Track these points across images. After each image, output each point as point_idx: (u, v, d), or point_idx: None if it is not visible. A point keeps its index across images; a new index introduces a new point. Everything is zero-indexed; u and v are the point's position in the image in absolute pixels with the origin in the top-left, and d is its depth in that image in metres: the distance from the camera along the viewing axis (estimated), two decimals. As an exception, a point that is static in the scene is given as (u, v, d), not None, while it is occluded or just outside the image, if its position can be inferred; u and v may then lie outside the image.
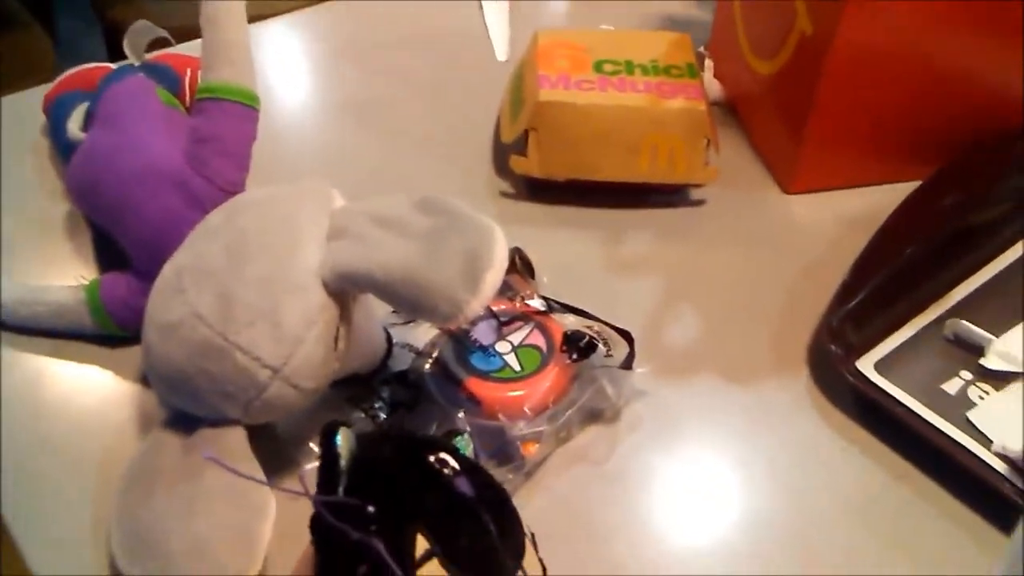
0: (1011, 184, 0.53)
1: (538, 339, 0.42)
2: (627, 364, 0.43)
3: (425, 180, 0.56)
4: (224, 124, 0.42)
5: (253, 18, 0.62)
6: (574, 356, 0.41)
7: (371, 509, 0.26)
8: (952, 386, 0.44)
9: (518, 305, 0.44)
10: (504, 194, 0.55)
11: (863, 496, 0.40)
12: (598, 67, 0.53)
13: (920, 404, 0.42)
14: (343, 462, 0.28)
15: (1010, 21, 0.51)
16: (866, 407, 0.43)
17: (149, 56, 0.53)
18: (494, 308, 0.43)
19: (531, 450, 0.40)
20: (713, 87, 0.61)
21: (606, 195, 0.54)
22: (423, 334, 0.42)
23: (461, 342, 0.42)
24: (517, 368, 0.41)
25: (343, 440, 0.28)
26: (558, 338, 0.42)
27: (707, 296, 0.49)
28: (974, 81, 0.53)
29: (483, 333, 0.42)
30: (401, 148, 0.58)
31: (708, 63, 0.62)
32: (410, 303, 0.33)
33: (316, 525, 0.28)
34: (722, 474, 0.41)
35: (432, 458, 0.28)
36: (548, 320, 0.43)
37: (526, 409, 0.40)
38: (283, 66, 0.65)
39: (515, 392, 0.40)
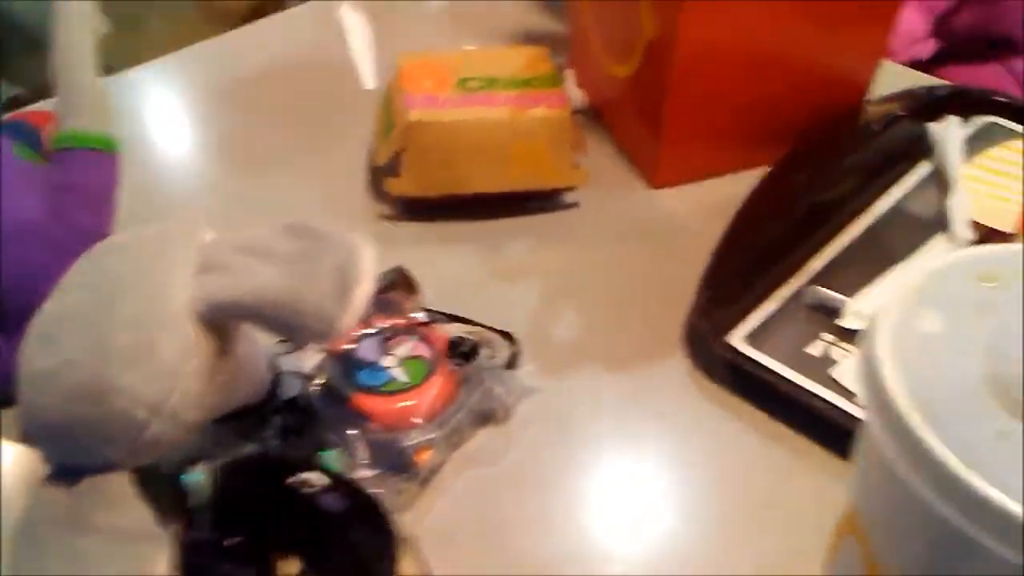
0: (854, 159, 0.57)
1: (423, 350, 0.43)
2: (511, 364, 0.45)
3: (304, 209, 0.56)
4: (81, 172, 0.42)
5: (114, 67, 0.63)
6: (458, 361, 0.43)
7: (228, 542, 0.26)
8: (816, 348, 0.47)
9: (400, 320, 0.45)
10: (383, 216, 0.56)
11: (743, 461, 0.43)
12: (462, 84, 0.55)
13: (788, 368, 0.45)
14: (200, 499, 0.28)
15: (840, 8, 0.55)
16: (740, 378, 0.46)
17: (6, 116, 0.52)
18: (378, 324, 0.44)
19: (424, 458, 0.41)
20: (576, 95, 0.64)
21: (483, 207, 0.56)
22: (310, 359, 0.43)
23: (347, 361, 0.43)
24: (404, 380, 0.42)
25: (203, 477, 0.29)
26: (442, 346, 0.44)
27: (586, 293, 0.52)
28: (813, 66, 0.57)
29: (368, 350, 0.43)
30: (278, 180, 0.59)
31: (568, 73, 0.65)
32: (284, 325, 0.34)
33: (184, 567, 0.28)
34: (612, 459, 0.43)
35: (292, 480, 0.29)
36: (431, 330, 0.45)
37: (416, 419, 0.41)
38: (153, 111, 0.65)
39: (404, 403, 0.41)
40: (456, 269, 0.53)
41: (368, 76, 0.66)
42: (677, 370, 0.47)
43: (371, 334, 0.44)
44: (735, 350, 0.46)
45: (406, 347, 0.44)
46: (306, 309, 0.33)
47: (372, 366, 0.42)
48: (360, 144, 0.59)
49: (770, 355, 0.46)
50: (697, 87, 0.54)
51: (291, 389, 0.42)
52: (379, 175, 0.56)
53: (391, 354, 0.43)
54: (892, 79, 0.63)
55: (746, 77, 0.55)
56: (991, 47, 0.85)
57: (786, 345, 0.47)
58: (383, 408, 0.41)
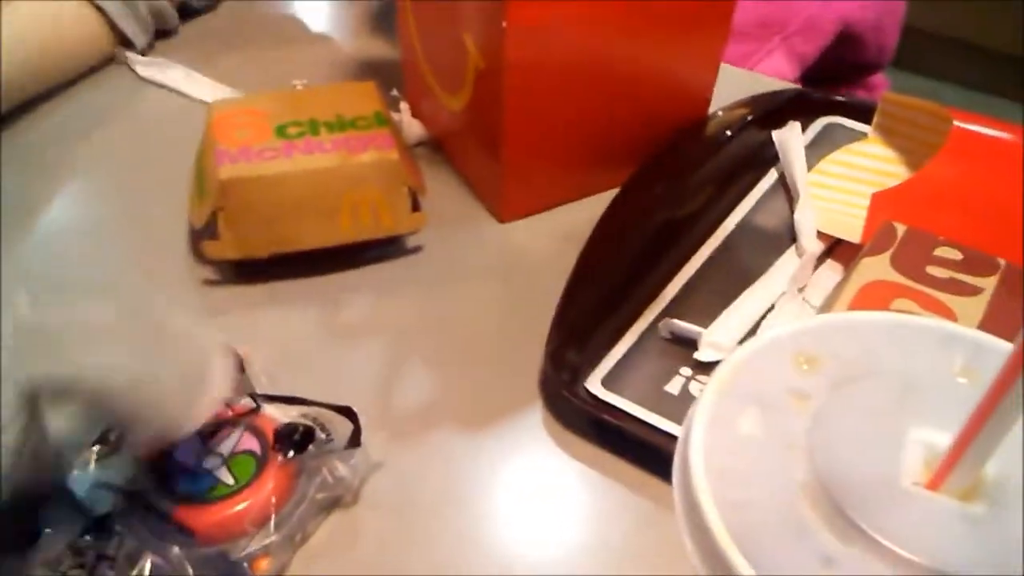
0: (702, 173, 0.56)
1: (250, 442, 0.39)
2: (354, 442, 0.41)
3: (121, 279, 0.51)
4: None
5: None
6: (291, 451, 0.39)
7: None
8: (674, 385, 0.45)
9: (224, 411, 0.40)
10: (207, 282, 0.51)
11: (601, 513, 0.41)
12: (281, 132, 0.51)
13: (646, 411, 0.43)
14: None
15: (671, 17, 0.53)
16: (598, 426, 0.44)
17: None
18: (197, 419, 0.40)
19: (263, 566, 0.37)
20: (413, 127, 0.60)
21: (317, 262, 0.51)
22: (120, 468, 0.38)
23: (163, 468, 0.38)
24: (231, 482, 0.38)
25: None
26: (271, 436, 0.39)
27: (435, 346, 0.48)
28: (650, 79, 0.55)
29: (185, 453, 0.38)
30: (91, 248, 0.53)
31: (404, 105, 0.61)
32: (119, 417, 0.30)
33: None
34: (471, 527, 0.40)
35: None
36: (259, 418, 0.40)
37: (248, 524, 0.37)
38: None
39: (233, 509, 0.37)
40: (290, 334, 0.48)
41: (190, 128, 0.60)
42: (534, 422, 0.44)
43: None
44: (591, 396, 0.44)
45: (231, 442, 0.39)
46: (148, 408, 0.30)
47: (193, 470, 0.38)
48: (180, 205, 0.54)
49: (629, 398, 0.44)
50: (533, 113, 0.52)
51: (100, 506, 0.37)
52: (198, 238, 0.51)
53: (214, 453, 0.39)
54: (735, 85, 0.62)
55: (583, 97, 0.53)
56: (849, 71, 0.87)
57: (645, 385, 0.45)
58: (209, 519, 0.37)
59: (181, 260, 0.52)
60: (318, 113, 0.52)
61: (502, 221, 0.56)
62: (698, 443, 0.20)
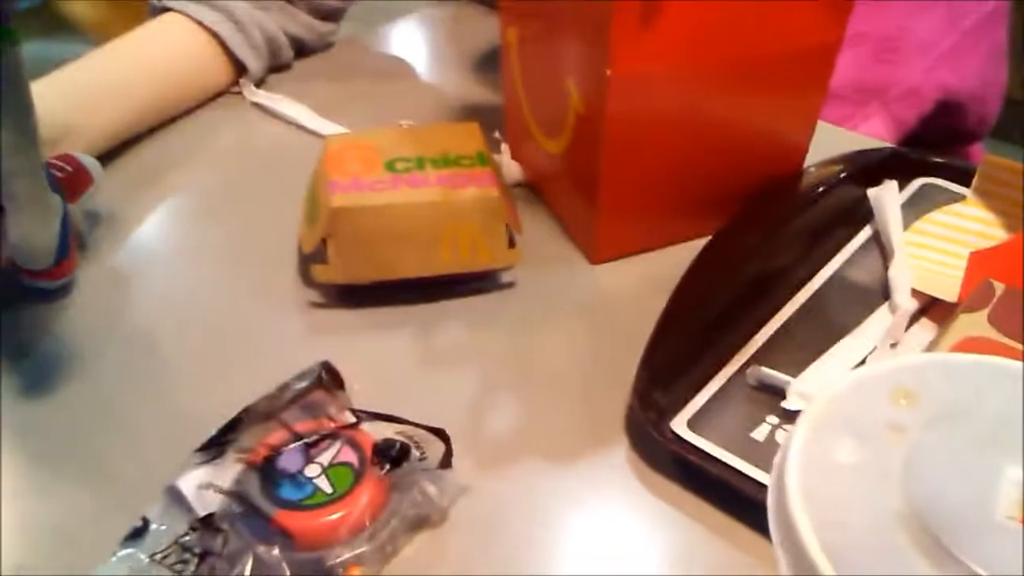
0: (795, 227, 0.57)
1: (349, 455, 0.41)
2: (445, 463, 0.42)
3: (231, 298, 0.54)
4: None
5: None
6: (387, 466, 0.41)
7: None
8: (760, 432, 0.45)
9: (325, 423, 0.43)
10: (313, 304, 0.54)
11: (685, 554, 0.41)
12: (389, 166, 0.54)
13: (732, 455, 0.44)
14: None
15: (771, 74, 0.54)
16: (684, 467, 0.44)
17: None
18: (299, 430, 0.42)
19: (355, 574, 0.38)
20: (512, 169, 0.63)
21: (416, 291, 0.54)
22: (228, 472, 0.41)
23: (267, 474, 0.40)
24: (329, 490, 0.40)
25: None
26: (369, 450, 0.41)
27: (523, 378, 0.50)
28: (747, 133, 0.56)
29: (289, 460, 0.41)
30: (203, 268, 0.57)
31: (504, 146, 0.64)
32: None
33: None
34: (551, 558, 0.41)
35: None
36: (358, 433, 0.42)
37: (343, 532, 0.39)
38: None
39: (329, 516, 0.39)
40: (387, 357, 0.50)
41: (302, 159, 0.64)
42: (619, 459, 0.45)
43: (293, 442, 0.41)
44: (677, 437, 0.44)
45: (330, 453, 0.41)
46: None
47: (294, 478, 0.40)
48: (290, 231, 0.57)
49: (714, 441, 0.44)
50: (630, 160, 0.53)
51: (206, 506, 0.40)
52: (307, 262, 0.54)
53: (315, 462, 0.41)
54: (832, 143, 0.63)
55: (680, 148, 0.54)
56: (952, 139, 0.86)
57: (731, 430, 0.45)
58: (306, 524, 0.38)
59: (290, 282, 0.55)
60: (425, 150, 0.55)
61: (594, 263, 0.57)
62: (794, 465, 0.20)
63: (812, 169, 0.60)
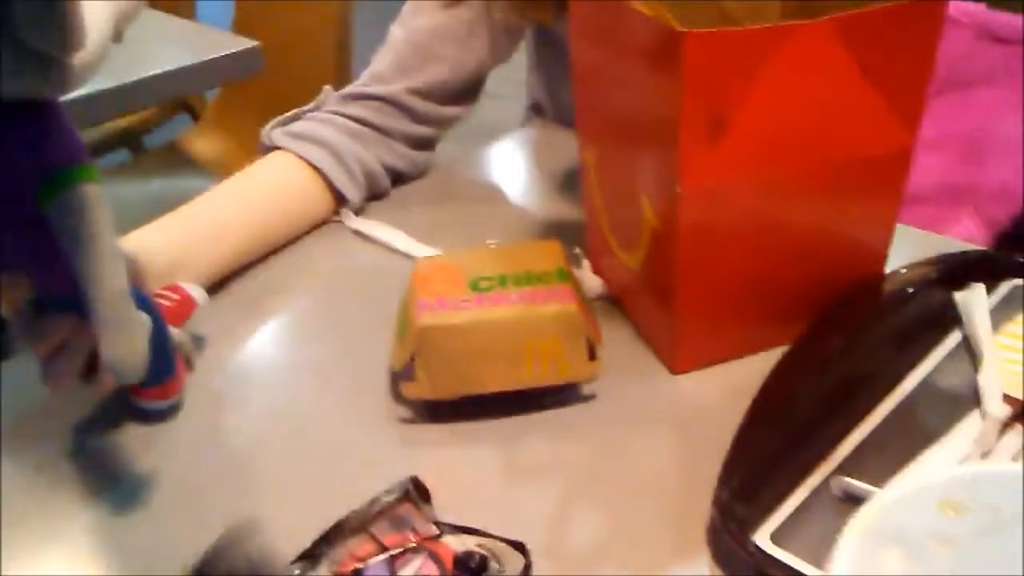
0: (878, 333, 0.56)
1: (431, 568, 0.42)
2: (525, 575, 0.43)
3: (326, 415, 0.57)
4: None
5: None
6: (467, 579, 0.42)
7: None
8: (848, 546, 0.44)
9: (410, 536, 0.44)
10: (402, 419, 0.56)
11: None
12: (474, 285, 0.56)
13: (817, 570, 0.43)
14: None
15: (845, 179, 0.55)
16: (768, 581, 0.43)
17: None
18: (386, 543, 0.43)
19: None
20: (594, 283, 0.65)
21: (501, 404, 0.55)
22: (316, 581, 0.42)
23: None
24: (411, 602, 0.41)
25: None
26: (449, 563, 0.42)
27: (604, 490, 0.50)
28: (823, 240, 0.57)
29: (375, 572, 0.42)
30: (300, 387, 0.60)
31: (585, 261, 0.66)
32: None
33: None
34: None
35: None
36: (439, 546, 0.44)
37: (423, 644, 0.40)
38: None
39: (410, 628, 0.40)
40: (473, 470, 0.52)
41: (396, 282, 0.68)
42: (702, 573, 0.45)
43: (379, 554, 0.43)
44: (761, 551, 0.44)
45: (414, 566, 0.43)
46: None
47: (379, 589, 0.41)
48: (384, 349, 0.60)
49: (799, 555, 0.43)
50: (705, 271, 0.55)
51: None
52: (397, 379, 0.57)
53: (399, 575, 0.42)
54: (920, 245, 0.63)
55: (755, 257, 0.55)
56: None
57: (816, 543, 0.44)
58: (389, 636, 0.40)
59: (382, 399, 0.58)
60: (507, 269, 0.58)
61: (674, 372, 0.58)
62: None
63: (896, 273, 0.60)
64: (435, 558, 0.43)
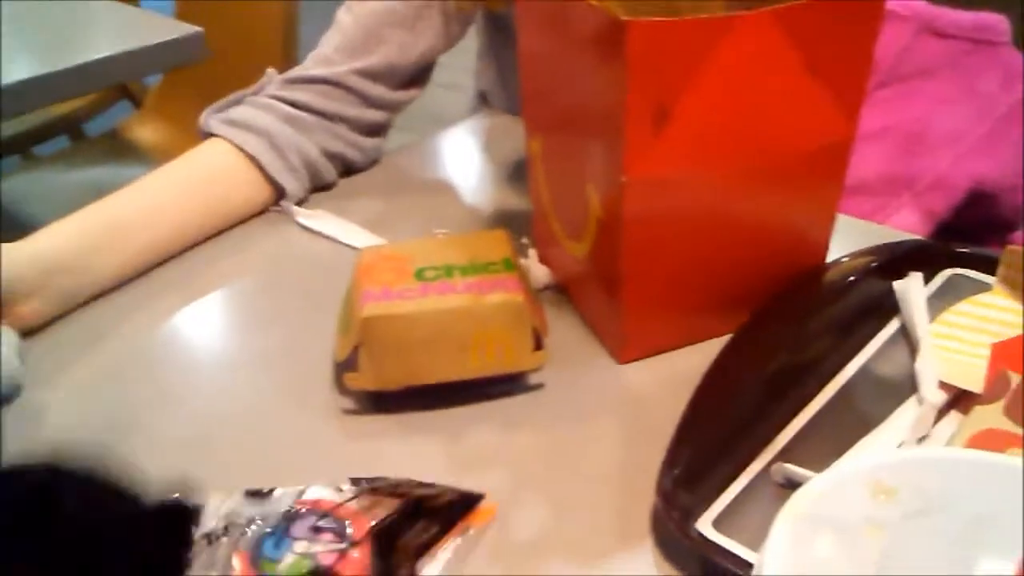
0: (818, 322, 0.57)
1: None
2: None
3: (266, 407, 0.56)
4: None
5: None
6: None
7: None
8: (788, 531, 0.44)
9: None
10: (346, 411, 0.55)
11: (717, 664, 0.40)
12: (419, 275, 0.56)
13: (758, 555, 0.43)
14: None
15: (787, 172, 0.55)
16: (709, 566, 0.44)
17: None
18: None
19: None
20: (540, 272, 0.64)
21: (446, 395, 0.55)
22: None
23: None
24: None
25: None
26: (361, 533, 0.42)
27: (550, 479, 0.50)
28: (767, 230, 0.57)
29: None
30: (240, 377, 0.59)
31: (532, 251, 0.66)
32: None
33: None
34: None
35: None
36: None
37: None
38: (113, 305, 0.66)
39: None
40: (419, 461, 0.51)
41: (340, 272, 0.67)
42: (646, 559, 0.45)
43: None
44: (703, 538, 0.44)
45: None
46: None
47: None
48: (329, 341, 0.59)
49: (741, 541, 0.44)
50: (651, 262, 0.55)
51: None
52: (340, 370, 0.56)
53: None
54: (860, 235, 0.64)
55: (699, 248, 0.56)
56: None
57: (758, 529, 0.45)
58: None
59: (326, 390, 0.57)
60: (453, 258, 0.57)
61: (621, 362, 0.58)
62: (774, 559, 0.21)
63: (837, 263, 0.61)
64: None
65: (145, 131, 1.62)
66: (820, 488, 0.23)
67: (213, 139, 0.74)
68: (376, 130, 0.81)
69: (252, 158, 0.73)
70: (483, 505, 0.47)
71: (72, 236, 0.64)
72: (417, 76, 0.80)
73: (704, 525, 0.45)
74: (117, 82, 1.64)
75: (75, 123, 1.74)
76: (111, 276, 0.65)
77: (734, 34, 0.49)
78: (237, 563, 0.40)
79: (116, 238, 0.65)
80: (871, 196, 0.81)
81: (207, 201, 0.72)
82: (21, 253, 0.60)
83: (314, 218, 0.74)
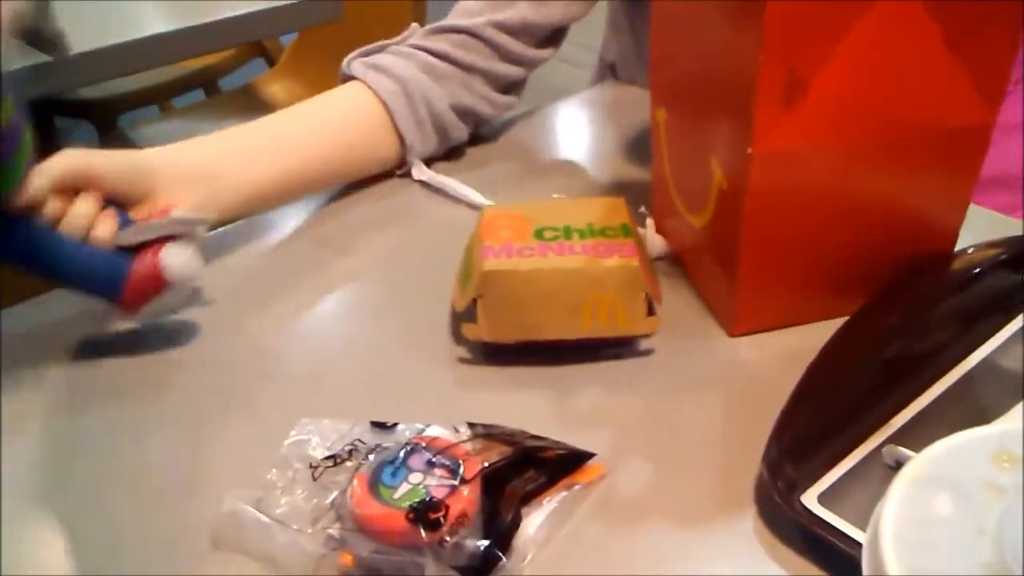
0: (943, 310, 0.56)
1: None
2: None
3: (387, 352, 0.59)
4: None
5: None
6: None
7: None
8: (895, 513, 0.44)
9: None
10: (461, 360, 0.58)
11: (813, 633, 0.41)
12: (538, 234, 0.57)
13: (863, 533, 0.43)
14: None
15: (920, 155, 0.54)
16: (813, 542, 0.44)
17: None
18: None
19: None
20: (656, 242, 0.65)
21: (558, 354, 0.56)
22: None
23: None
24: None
25: None
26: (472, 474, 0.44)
27: (656, 444, 0.51)
28: (894, 213, 0.56)
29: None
30: (363, 324, 0.62)
31: (649, 221, 0.66)
32: None
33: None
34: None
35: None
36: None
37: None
38: (250, 256, 0.70)
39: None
40: (526, 416, 0.53)
41: (456, 229, 0.69)
42: (746, 530, 0.46)
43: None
44: (808, 511, 0.44)
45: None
46: None
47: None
48: (446, 291, 0.62)
49: (846, 518, 0.44)
50: (772, 236, 0.55)
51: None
52: (458, 320, 0.58)
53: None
54: (996, 229, 0.62)
55: (823, 225, 0.55)
56: None
57: (864, 507, 0.44)
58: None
59: (442, 338, 0.59)
60: (572, 221, 0.58)
61: (732, 335, 0.58)
62: (891, 513, 0.21)
63: (964, 252, 0.59)
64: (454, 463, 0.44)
65: (277, 88, 1.68)
66: (941, 450, 0.23)
67: (351, 82, 0.76)
68: (511, 87, 0.81)
69: (384, 104, 0.74)
70: (591, 463, 0.48)
71: (208, 145, 0.68)
72: (552, 36, 0.81)
73: (809, 499, 0.45)
74: (252, 39, 1.71)
75: (211, 78, 1.83)
76: (240, 189, 0.67)
77: (876, 7, 0.48)
78: (358, 485, 0.43)
79: (244, 156, 0.68)
80: (1012, 192, 0.78)
81: (332, 141, 0.73)
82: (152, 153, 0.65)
83: (436, 177, 0.76)
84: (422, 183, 0.77)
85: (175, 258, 0.58)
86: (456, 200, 0.74)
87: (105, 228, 0.57)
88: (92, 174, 0.58)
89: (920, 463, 0.23)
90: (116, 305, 0.58)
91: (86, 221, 0.57)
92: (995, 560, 0.20)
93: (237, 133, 0.70)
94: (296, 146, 0.71)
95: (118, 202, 0.60)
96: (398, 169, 0.78)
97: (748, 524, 0.46)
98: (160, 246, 0.58)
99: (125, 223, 0.58)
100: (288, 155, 0.71)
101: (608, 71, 0.99)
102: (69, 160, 0.58)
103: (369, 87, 0.75)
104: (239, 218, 0.70)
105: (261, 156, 0.69)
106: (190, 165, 0.65)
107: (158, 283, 0.57)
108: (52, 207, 0.56)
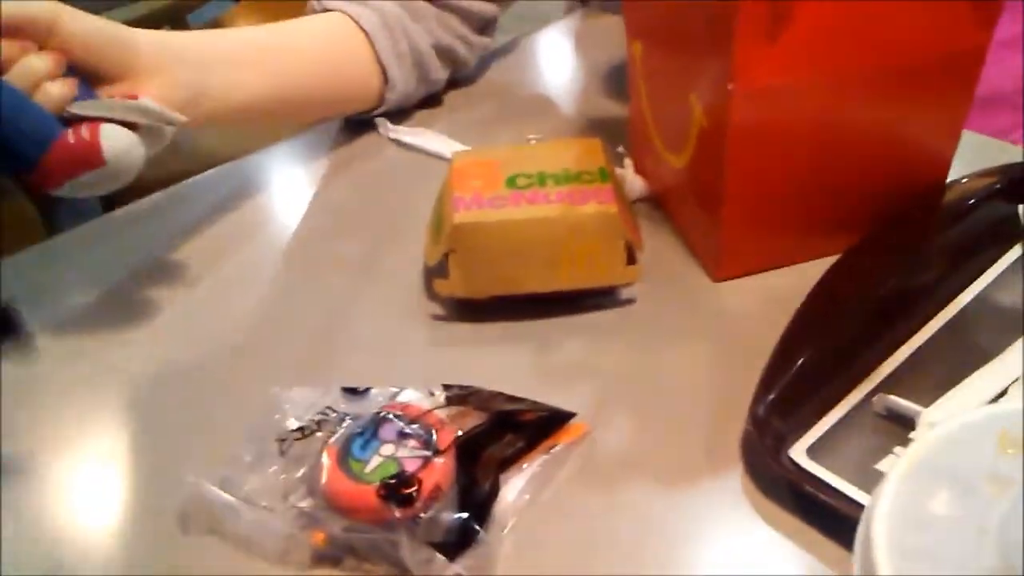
0: (934, 246, 0.53)
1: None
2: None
3: (357, 308, 0.57)
4: None
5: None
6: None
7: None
8: (886, 464, 0.43)
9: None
10: (435, 316, 0.55)
11: (802, 592, 0.39)
12: (511, 182, 0.55)
13: (854, 487, 0.42)
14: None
15: (911, 80, 0.51)
16: (801, 496, 0.42)
17: None
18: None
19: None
20: (636, 184, 0.62)
21: (536, 306, 0.54)
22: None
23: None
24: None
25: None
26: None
27: (640, 395, 0.49)
28: (883, 146, 0.54)
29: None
30: (332, 280, 0.59)
31: (627, 161, 0.63)
32: None
33: None
34: (657, 585, 0.40)
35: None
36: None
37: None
38: (209, 214, 0.67)
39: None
40: (505, 372, 0.51)
41: (427, 179, 0.66)
42: (732, 485, 0.44)
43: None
44: (795, 465, 0.43)
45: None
46: None
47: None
48: (418, 246, 0.59)
49: (835, 471, 0.42)
50: (755, 175, 0.52)
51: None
52: (431, 276, 0.55)
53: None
54: (989, 155, 0.59)
55: (808, 162, 0.53)
56: None
57: (853, 460, 0.43)
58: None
59: (414, 295, 0.57)
60: (546, 166, 0.55)
61: (716, 280, 0.56)
62: (883, 515, 0.19)
63: (958, 183, 0.57)
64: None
65: (246, 22, 1.63)
66: (943, 434, 0.21)
67: (330, 13, 0.71)
68: (486, 26, 0.78)
69: (366, 33, 0.70)
70: (572, 423, 0.46)
71: (199, 37, 0.61)
72: None
73: (798, 453, 0.44)
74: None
75: (179, 14, 1.76)
76: (228, 95, 0.61)
77: (864, -73, 0.44)
78: (326, 459, 0.41)
79: (236, 57, 0.63)
80: (1007, 110, 0.75)
81: (322, 60, 0.69)
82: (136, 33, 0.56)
83: (406, 134, 0.72)
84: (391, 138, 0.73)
85: (118, 141, 0.49)
86: (423, 150, 0.71)
87: (58, 89, 0.50)
88: (60, 31, 0.51)
89: (918, 451, 0.21)
90: (32, 172, 0.49)
91: (36, 79, 0.49)
92: (998, 564, 0.18)
93: (222, 36, 0.64)
94: (285, 59, 0.66)
95: (86, 74, 0.52)
96: (375, 110, 0.74)
97: (735, 479, 0.44)
98: (103, 123, 0.50)
99: (85, 97, 0.51)
100: (278, 66, 0.66)
101: (579, -2, 0.95)
102: (33, 6, 0.50)
103: (350, 16, 0.70)
104: (218, 125, 0.63)
105: (253, 60, 0.64)
106: (181, 51, 0.58)
107: (89, 160, 0.49)
108: (5, 51, 0.49)
